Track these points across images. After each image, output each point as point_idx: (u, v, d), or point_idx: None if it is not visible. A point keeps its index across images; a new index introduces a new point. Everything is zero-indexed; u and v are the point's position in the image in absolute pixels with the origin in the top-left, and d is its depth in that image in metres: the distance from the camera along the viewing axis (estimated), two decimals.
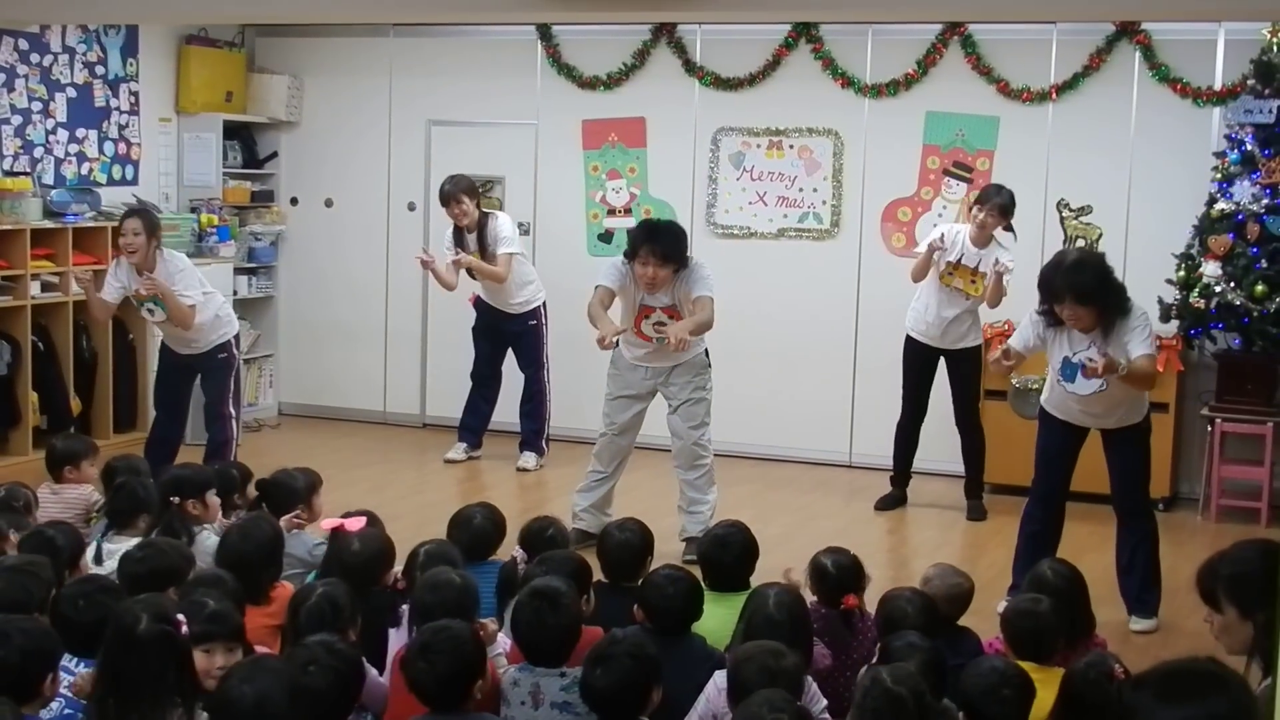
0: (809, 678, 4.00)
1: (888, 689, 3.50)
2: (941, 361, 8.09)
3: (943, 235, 7.85)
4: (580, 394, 9.14)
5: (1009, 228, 7.94)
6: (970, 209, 7.99)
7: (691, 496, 7.17)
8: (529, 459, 9.04)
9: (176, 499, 5.41)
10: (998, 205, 7.80)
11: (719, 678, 3.98)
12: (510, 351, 9.20)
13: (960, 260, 7.86)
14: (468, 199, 8.76)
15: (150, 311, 7.87)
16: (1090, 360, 5.93)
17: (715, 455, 9.02)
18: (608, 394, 7.26)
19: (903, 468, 8.28)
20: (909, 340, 8.10)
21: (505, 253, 8.76)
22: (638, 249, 6.89)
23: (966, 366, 8.04)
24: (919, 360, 8.09)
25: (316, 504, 5.62)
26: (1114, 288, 6.05)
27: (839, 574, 4.76)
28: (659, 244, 6.85)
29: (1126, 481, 6.28)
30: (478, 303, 9.10)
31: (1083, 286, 5.95)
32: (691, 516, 7.10)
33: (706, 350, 7.18)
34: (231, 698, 3.37)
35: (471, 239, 8.83)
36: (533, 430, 9.11)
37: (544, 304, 9.05)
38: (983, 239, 7.83)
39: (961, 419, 8.11)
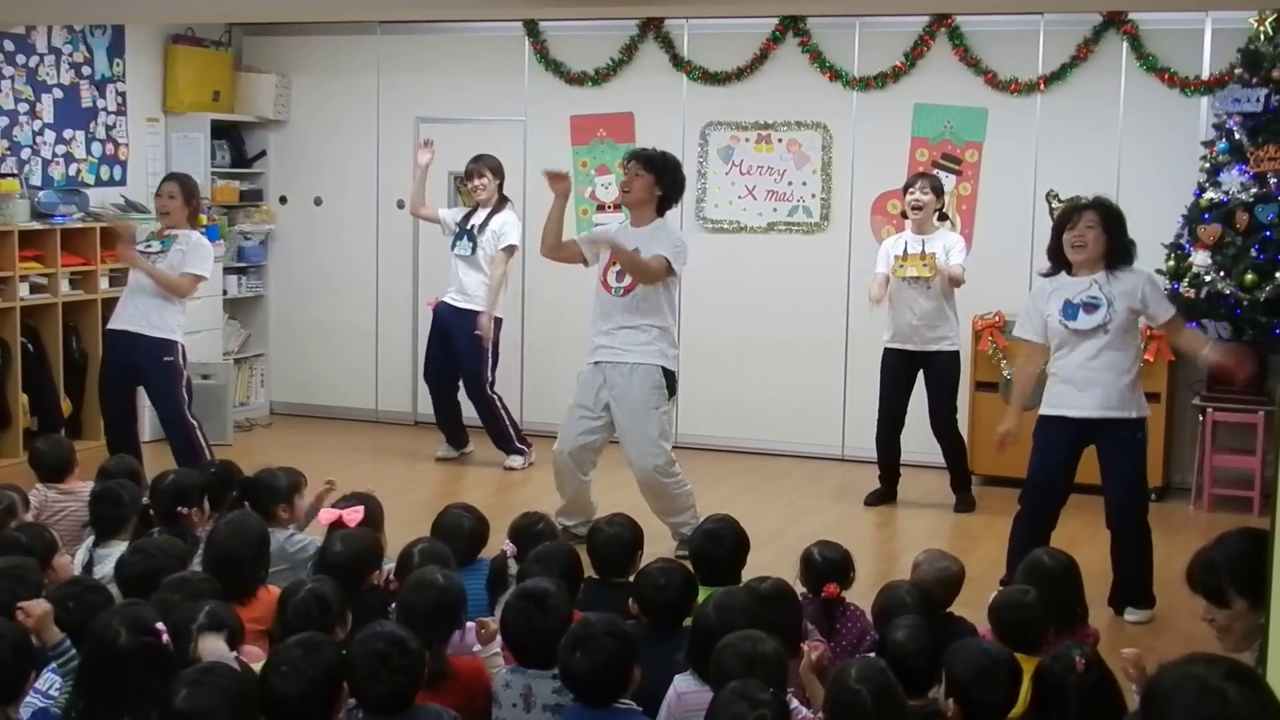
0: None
1: (848, 685, 3.49)
2: (921, 375, 8.03)
3: (889, 252, 8.00)
4: (565, 390, 9.10)
5: (944, 216, 8.01)
6: (904, 196, 8.02)
7: (668, 522, 7.05)
8: (515, 460, 9.03)
9: (184, 509, 5.39)
10: (927, 182, 7.94)
11: (679, 683, 3.96)
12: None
13: (906, 251, 7.88)
14: (490, 174, 8.84)
15: (149, 245, 7.74)
16: (1094, 299, 6.07)
17: (706, 450, 9.06)
18: (571, 403, 7.20)
19: (888, 471, 8.25)
20: (886, 352, 8.04)
21: (507, 246, 8.83)
22: (626, 165, 7.13)
23: (943, 372, 7.96)
24: (897, 370, 8.02)
25: (299, 504, 5.59)
26: (1125, 232, 6.18)
27: (823, 564, 4.80)
28: (642, 153, 7.14)
29: (1121, 492, 6.20)
30: (437, 308, 9.06)
31: (1105, 203, 6.22)
32: (672, 529, 7.07)
33: (664, 370, 7.00)
34: (172, 713, 3.29)
35: (477, 221, 8.84)
36: (499, 439, 9.05)
37: (498, 321, 8.91)
38: (923, 223, 7.88)
39: (938, 427, 8.05)
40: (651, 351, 6.97)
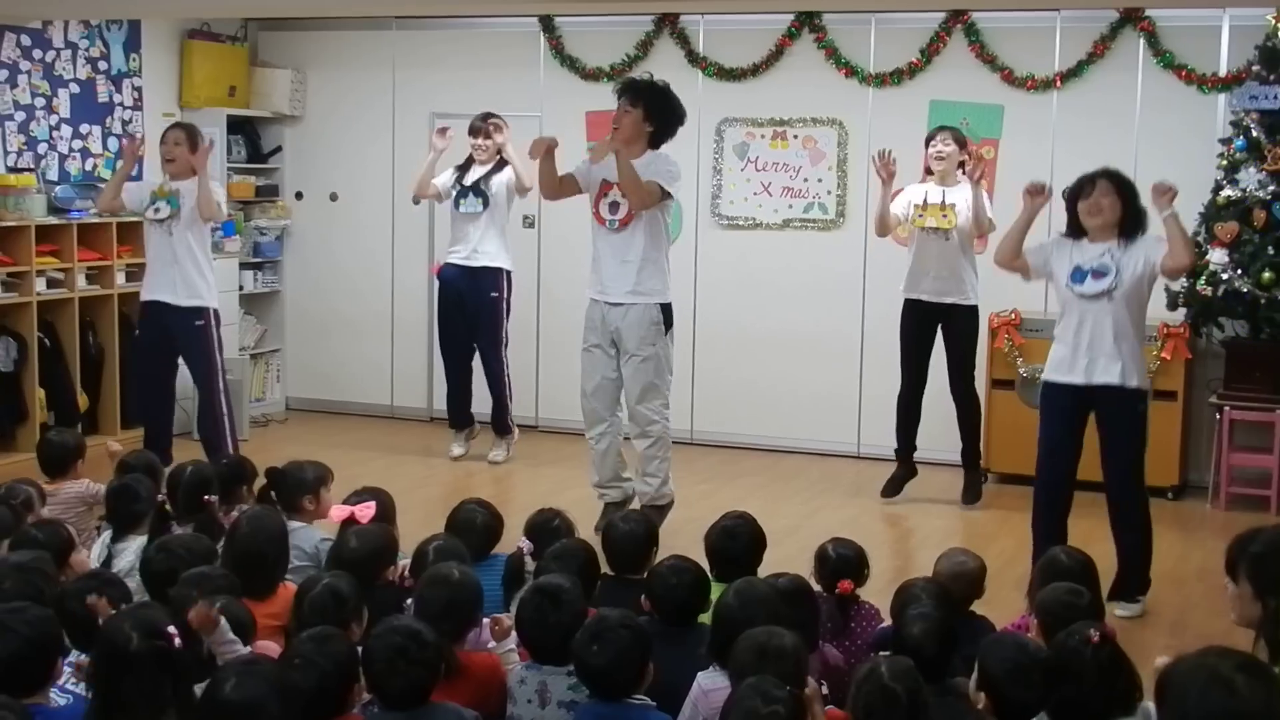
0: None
1: (883, 684, 3.46)
2: (940, 331, 8.00)
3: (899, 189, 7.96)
4: (572, 386, 9.10)
5: (979, 159, 7.97)
6: (926, 148, 7.98)
7: (644, 468, 7.18)
8: (498, 453, 9.07)
9: (209, 497, 5.40)
10: (949, 133, 7.92)
11: (703, 679, 3.95)
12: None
13: (926, 200, 7.84)
14: (498, 136, 8.81)
15: (158, 209, 7.80)
16: (1104, 266, 6.10)
17: (721, 446, 9.05)
18: (584, 343, 7.29)
19: (906, 442, 8.18)
20: (905, 305, 8.00)
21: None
22: (617, 101, 7.12)
23: (961, 326, 7.92)
24: (915, 323, 7.96)
25: (325, 498, 5.59)
26: (1138, 200, 6.20)
27: (837, 561, 4.80)
28: (630, 85, 7.17)
29: (1118, 463, 6.22)
30: (442, 272, 9.06)
31: (1117, 172, 6.22)
32: (643, 480, 7.19)
33: (664, 307, 7.09)
34: (220, 701, 3.32)
35: (472, 175, 8.83)
36: (500, 411, 9.06)
37: (509, 275, 8.94)
38: (946, 175, 7.83)
39: (956, 385, 7.99)
40: (646, 289, 7.05)
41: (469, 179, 8.85)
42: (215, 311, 7.95)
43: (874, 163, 7.94)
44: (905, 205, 7.92)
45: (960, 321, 7.93)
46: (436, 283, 9.28)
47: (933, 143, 7.94)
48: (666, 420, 7.22)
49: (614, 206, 7.03)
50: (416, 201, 9.42)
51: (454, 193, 8.89)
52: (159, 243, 7.86)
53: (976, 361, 8.14)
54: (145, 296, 7.97)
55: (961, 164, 7.90)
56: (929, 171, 7.98)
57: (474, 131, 8.87)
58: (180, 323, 7.84)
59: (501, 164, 8.85)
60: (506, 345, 9.01)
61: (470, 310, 8.92)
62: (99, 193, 9.04)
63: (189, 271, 7.80)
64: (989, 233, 7.74)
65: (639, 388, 7.11)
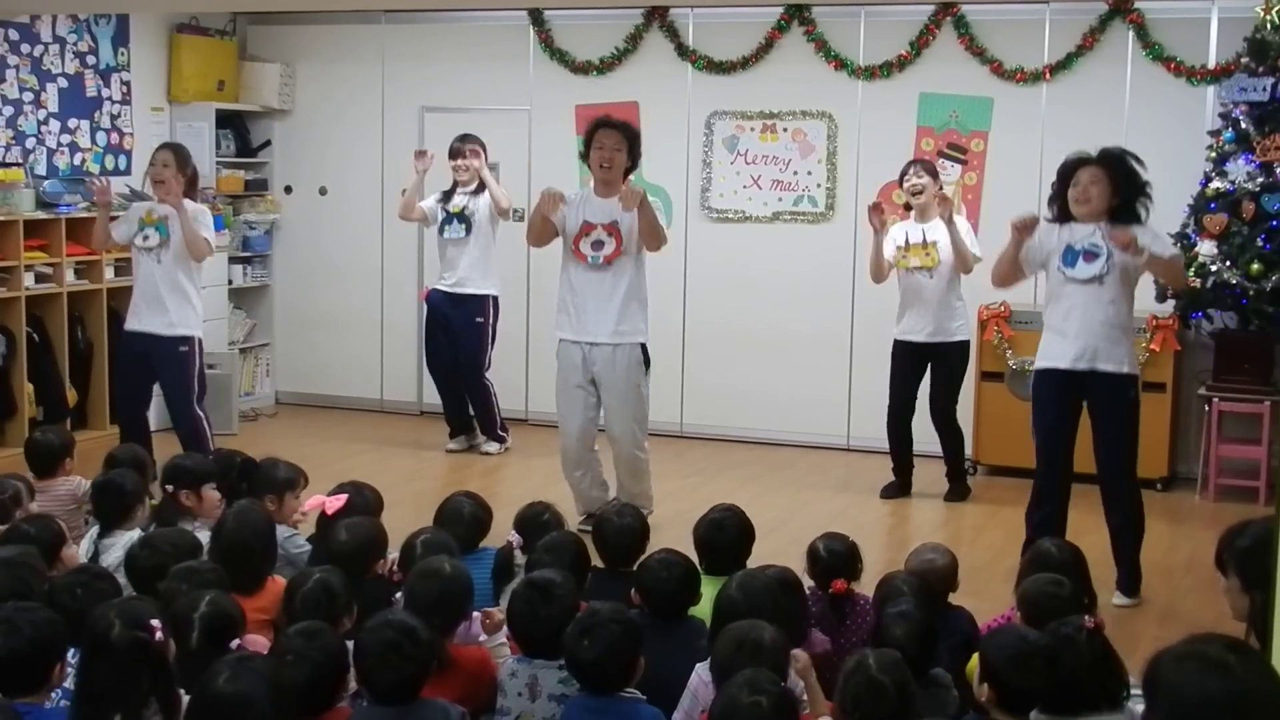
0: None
1: (871, 676, 3.48)
2: (930, 367, 7.97)
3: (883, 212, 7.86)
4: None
5: (945, 198, 7.90)
6: (901, 185, 7.94)
7: (631, 489, 7.16)
8: (493, 446, 9.14)
9: (170, 488, 5.40)
10: (921, 165, 7.92)
11: (702, 670, 3.95)
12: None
13: (908, 240, 7.82)
14: (474, 161, 8.81)
15: (146, 237, 7.60)
16: (1095, 246, 6.07)
17: (710, 439, 9.05)
18: (556, 388, 7.27)
19: (901, 463, 8.17)
20: (895, 345, 7.98)
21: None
22: (595, 133, 7.05)
23: (951, 364, 7.91)
24: (907, 362, 7.95)
25: (290, 502, 5.54)
26: (1137, 178, 6.15)
27: (829, 558, 4.77)
28: (615, 125, 7.08)
29: (1110, 449, 6.21)
30: (430, 296, 9.09)
31: (1109, 155, 6.16)
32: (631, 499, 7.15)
33: (644, 346, 7.11)
34: (213, 696, 3.32)
35: (456, 201, 8.85)
36: (488, 424, 9.13)
37: (495, 301, 8.97)
38: (925, 209, 7.79)
39: (938, 416, 7.99)
40: (630, 329, 7.05)
41: (453, 205, 8.88)
42: (199, 340, 7.73)
43: (868, 215, 7.85)
44: (890, 247, 7.87)
45: (950, 358, 7.92)
46: (425, 307, 9.27)
47: (906, 177, 7.90)
48: (648, 453, 7.27)
49: (598, 245, 7.00)
50: (401, 216, 9.37)
51: (439, 219, 8.91)
52: (147, 272, 7.61)
53: (969, 359, 8.15)
54: (130, 327, 7.73)
55: (939, 193, 7.86)
56: (908, 208, 7.97)
57: (453, 154, 8.90)
58: (162, 348, 7.60)
59: (483, 186, 8.87)
60: (489, 368, 9.03)
61: (455, 334, 8.96)
62: (90, 230, 8.94)
63: (177, 303, 7.57)
64: (974, 265, 7.67)
65: (630, 423, 7.09)
